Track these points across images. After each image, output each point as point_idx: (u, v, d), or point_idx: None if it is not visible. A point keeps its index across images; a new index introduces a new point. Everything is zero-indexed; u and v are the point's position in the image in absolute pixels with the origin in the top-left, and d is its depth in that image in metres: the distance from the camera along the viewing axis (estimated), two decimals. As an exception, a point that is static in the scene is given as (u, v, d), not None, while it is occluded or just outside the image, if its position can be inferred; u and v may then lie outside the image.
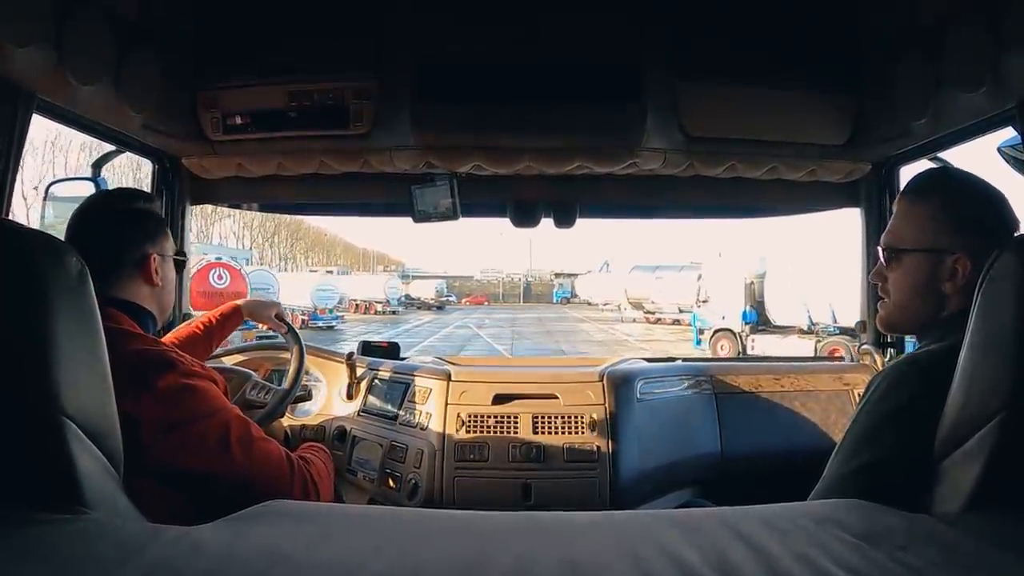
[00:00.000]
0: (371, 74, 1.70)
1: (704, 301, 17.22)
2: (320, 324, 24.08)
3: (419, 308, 41.97)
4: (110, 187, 1.78)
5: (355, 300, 35.60)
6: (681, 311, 24.78)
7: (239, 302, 1.77)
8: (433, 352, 9.48)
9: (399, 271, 59.00)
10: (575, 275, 51.28)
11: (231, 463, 1.14)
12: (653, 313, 27.82)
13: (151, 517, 0.97)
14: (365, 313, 34.71)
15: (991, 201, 1.05)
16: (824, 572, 0.50)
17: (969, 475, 0.69)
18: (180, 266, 1.36)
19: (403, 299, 41.31)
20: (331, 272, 44.31)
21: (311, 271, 46.26)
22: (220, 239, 44.92)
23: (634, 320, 29.36)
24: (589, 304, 43.35)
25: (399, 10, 1.65)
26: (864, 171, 1.95)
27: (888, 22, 1.61)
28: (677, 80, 1.69)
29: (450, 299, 48.24)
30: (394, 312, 36.03)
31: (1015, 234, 1.03)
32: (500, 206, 2.16)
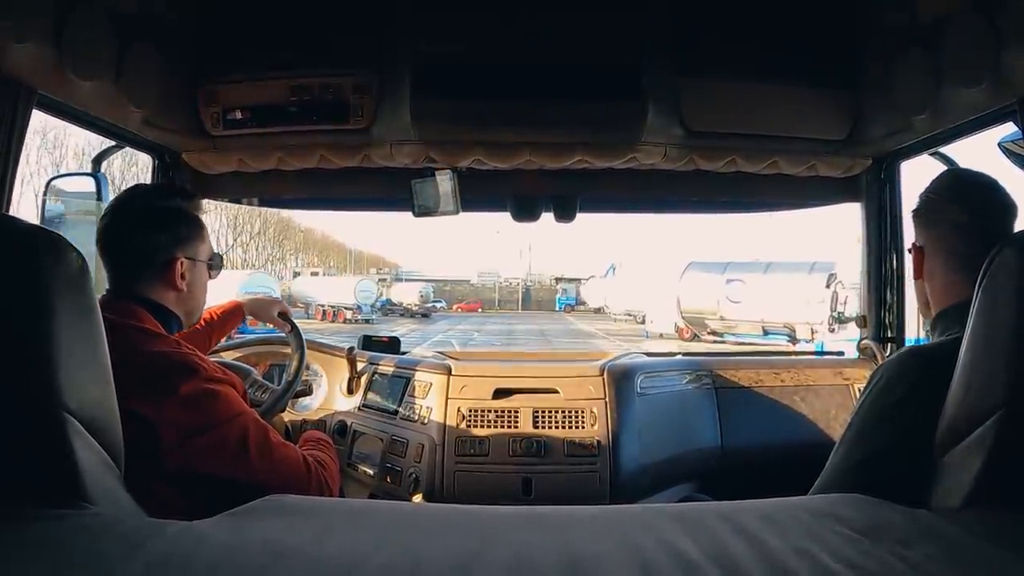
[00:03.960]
0: (371, 69, 1.69)
1: (839, 318, 10.94)
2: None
3: (401, 315, 36.08)
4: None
5: (322, 306, 31.10)
6: (767, 332, 17.35)
7: (241, 300, 1.77)
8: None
9: (393, 274, 55.41)
10: (578, 280, 46.94)
11: (249, 467, 1.13)
12: (721, 335, 18.96)
13: (166, 518, 0.98)
14: (332, 321, 29.55)
15: (937, 195, 1.13)
16: (823, 566, 0.50)
17: (969, 471, 0.69)
18: (215, 271, 1.33)
19: (382, 304, 36.12)
20: (316, 273, 40.70)
21: (295, 272, 42.86)
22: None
23: (661, 335, 21.42)
24: (597, 312, 37.50)
25: (399, 5, 1.64)
26: (865, 166, 1.94)
27: (888, 17, 1.61)
28: (677, 75, 1.68)
29: (437, 305, 42.10)
30: (367, 321, 29.56)
31: (968, 221, 1.07)
32: (500, 200, 2.16)
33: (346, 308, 30.71)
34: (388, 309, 37.14)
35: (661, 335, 21.39)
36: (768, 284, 17.54)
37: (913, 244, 1.16)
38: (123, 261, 1.19)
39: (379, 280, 45.18)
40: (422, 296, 38.56)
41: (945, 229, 1.09)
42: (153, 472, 1.03)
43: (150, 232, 1.19)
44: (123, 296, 1.17)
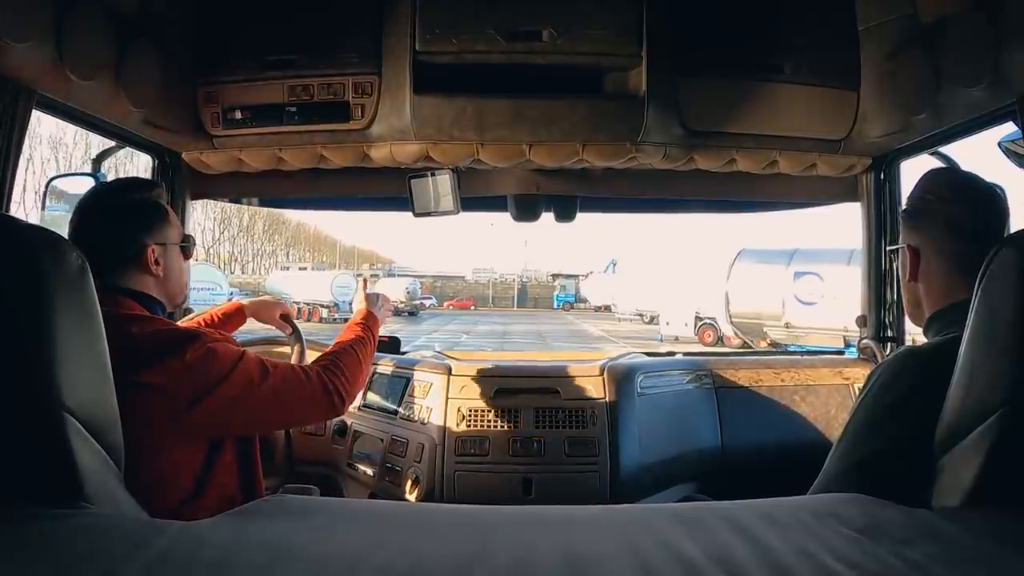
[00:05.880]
0: (371, 68, 1.69)
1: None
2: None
3: None
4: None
5: (297, 303, 27.68)
6: (851, 344, 5.73)
7: (243, 301, 1.77)
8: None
9: (386, 269, 54.19)
10: (577, 276, 45.24)
11: (257, 405, 1.21)
12: (785, 346, 13.38)
13: (186, 475, 1.15)
14: (307, 320, 27.21)
15: (935, 195, 1.11)
16: (824, 566, 0.50)
17: (969, 470, 0.69)
18: (187, 253, 1.38)
19: None
20: (305, 268, 38.97)
21: (282, 268, 41.66)
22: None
23: (677, 338, 17.98)
24: (598, 311, 35.74)
25: (399, 4, 1.64)
26: (865, 165, 1.94)
27: (889, 17, 1.61)
28: (677, 74, 1.68)
29: (425, 302, 39.47)
30: (345, 320, 24.48)
31: (972, 223, 1.06)
32: (500, 200, 2.17)
33: (322, 306, 29.16)
34: (374, 306, 35.21)
35: (677, 338, 18.09)
36: (855, 279, 11.20)
37: (906, 245, 1.13)
38: (99, 256, 1.21)
39: (371, 276, 43.73)
40: (408, 293, 35.56)
41: (944, 229, 1.07)
42: (175, 435, 1.12)
43: (118, 225, 1.24)
44: (108, 289, 1.20)
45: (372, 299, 1.66)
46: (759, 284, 14.84)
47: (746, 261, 15.62)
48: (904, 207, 1.16)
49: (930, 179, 1.14)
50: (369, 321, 1.58)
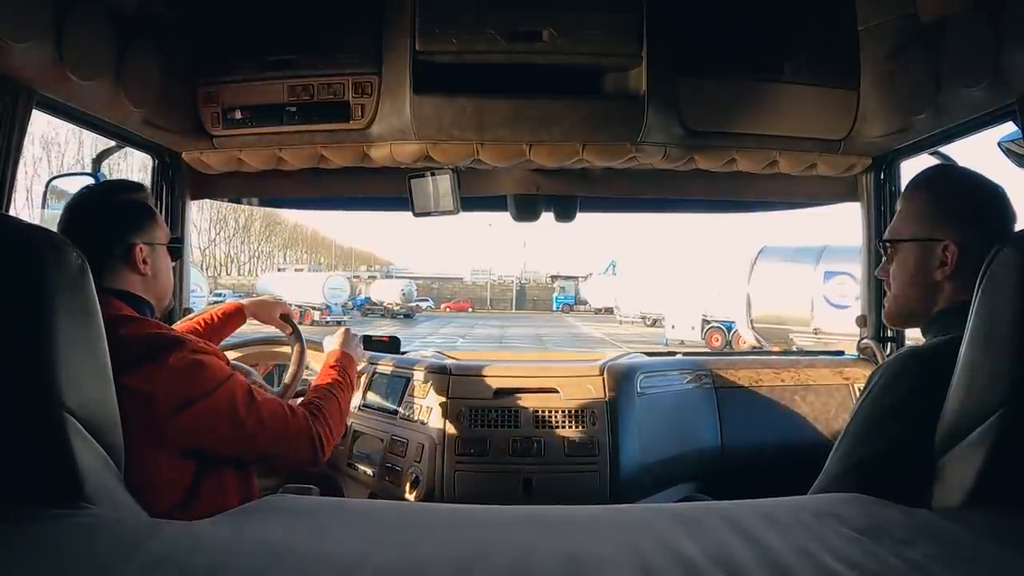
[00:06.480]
0: (371, 68, 1.69)
1: None
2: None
3: (382, 316, 32.83)
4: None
5: (289, 305, 26.59)
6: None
7: (243, 301, 1.77)
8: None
9: (384, 271, 53.88)
10: (576, 277, 45.08)
11: (242, 430, 1.21)
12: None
13: (171, 489, 1.13)
14: (299, 323, 24.44)
15: (982, 193, 1.08)
16: (824, 566, 0.50)
17: (970, 470, 0.69)
18: (176, 254, 1.39)
19: (361, 303, 33.81)
20: (301, 270, 38.31)
21: (279, 270, 41.12)
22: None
23: (682, 342, 16.74)
24: (598, 313, 35.36)
25: (399, 3, 1.64)
26: (865, 165, 1.94)
27: (889, 16, 1.62)
28: (677, 74, 1.69)
29: (423, 305, 39.16)
30: (339, 323, 24.65)
31: (1011, 225, 1.05)
32: (500, 200, 2.17)
33: (314, 308, 28.42)
34: (368, 309, 34.64)
35: (682, 342, 16.84)
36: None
37: (950, 240, 1.05)
38: (88, 255, 1.22)
39: (369, 277, 43.25)
40: (404, 295, 34.88)
41: (981, 228, 1.04)
42: (156, 443, 1.12)
43: (108, 224, 1.25)
44: (97, 290, 1.20)
45: (347, 339, 1.66)
46: (784, 285, 13.35)
47: (769, 260, 14.04)
48: (940, 200, 1.10)
49: (966, 178, 1.12)
50: (344, 362, 1.57)
